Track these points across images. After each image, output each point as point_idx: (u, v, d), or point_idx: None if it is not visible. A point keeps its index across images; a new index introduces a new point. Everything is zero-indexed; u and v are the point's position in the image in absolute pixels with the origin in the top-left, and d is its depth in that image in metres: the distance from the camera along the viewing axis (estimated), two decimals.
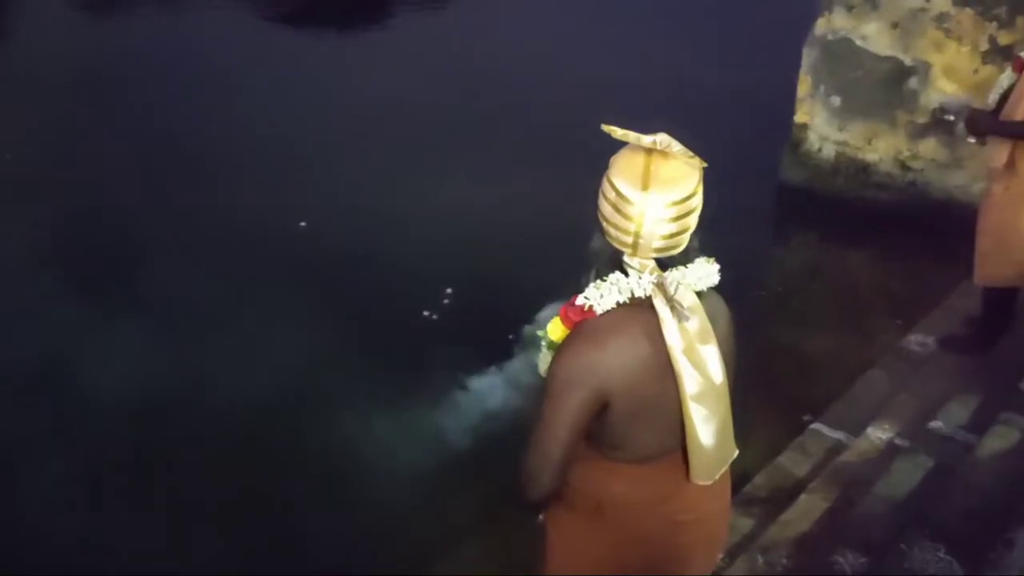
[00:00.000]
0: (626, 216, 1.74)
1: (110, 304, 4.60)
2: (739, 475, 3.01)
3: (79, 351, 4.31)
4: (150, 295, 4.69)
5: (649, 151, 1.74)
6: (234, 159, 5.94)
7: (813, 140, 5.66)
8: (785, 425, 3.82)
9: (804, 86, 5.58)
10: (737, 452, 1.97)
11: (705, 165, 1.76)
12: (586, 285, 1.83)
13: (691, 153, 1.74)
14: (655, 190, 1.72)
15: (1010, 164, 3.43)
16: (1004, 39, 4.86)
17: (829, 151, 5.63)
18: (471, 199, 5.34)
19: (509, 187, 5.42)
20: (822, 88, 5.53)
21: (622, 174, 1.75)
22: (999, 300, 3.76)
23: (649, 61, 6.84)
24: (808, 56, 5.51)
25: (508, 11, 8.22)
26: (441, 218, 5.24)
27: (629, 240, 1.76)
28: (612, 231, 1.77)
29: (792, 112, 5.64)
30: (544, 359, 1.90)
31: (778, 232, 5.70)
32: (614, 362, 1.77)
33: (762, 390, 3.82)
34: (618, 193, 1.74)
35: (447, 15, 8.60)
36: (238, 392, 4.06)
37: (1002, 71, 3.58)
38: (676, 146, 1.73)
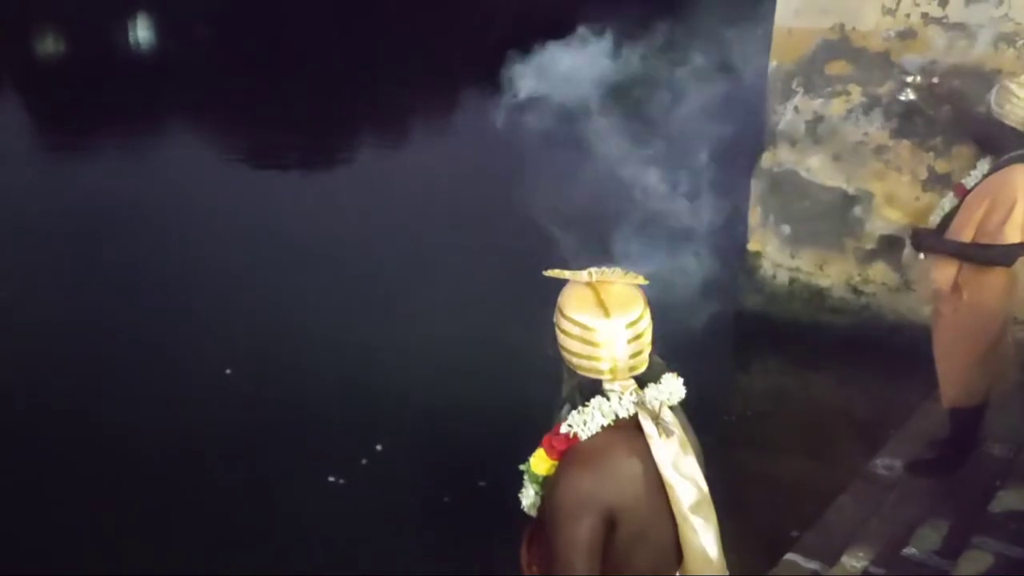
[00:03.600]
0: (596, 345, 1.79)
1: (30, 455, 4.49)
2: None
3: None
4: (75, 435, 4.59)
5: (592, 284, 1.81)
6: (173, 300, 5.97)
7: (767, 267, 5.79)
8: (760, 553, 3.72)
9: (755, 216, 5.76)
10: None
11: (647, 282, 1.84)
12: (561, 421, 1.84)
13: (632, 274, 1.83)
14: (616, 315, 1.79)
15: (955, 287, 3.52)
16: (941, 167, 5.09)
17: (783, 277, 5.76)
18: (405, 347, 5.30)
19: (450, 334, 5.38)
20: (772, 218, 5.70)
21: (580, 309, 1.80)
22: (965, 420, 3.77)
23: (603, 197, 7.00)
24: (756, 187, 5.70)
25: (461, 151, 8.47)
26: (373, 369, 5.15)
27: (607, 367, 1.80)
28: (585, 364, 1.81)
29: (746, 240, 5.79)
30: (527, 494, 1.90)
31: (738, 358, 5.73)
32: (612, 482, 1.77)
33: (734, 517, 3.74)
34: (583, 327, 1.79)
35: (402, 155, 8.84)
36: (132, 541, 3.94)
37: (943, 197, 3.73)
38: (615, 271, 1.82)
